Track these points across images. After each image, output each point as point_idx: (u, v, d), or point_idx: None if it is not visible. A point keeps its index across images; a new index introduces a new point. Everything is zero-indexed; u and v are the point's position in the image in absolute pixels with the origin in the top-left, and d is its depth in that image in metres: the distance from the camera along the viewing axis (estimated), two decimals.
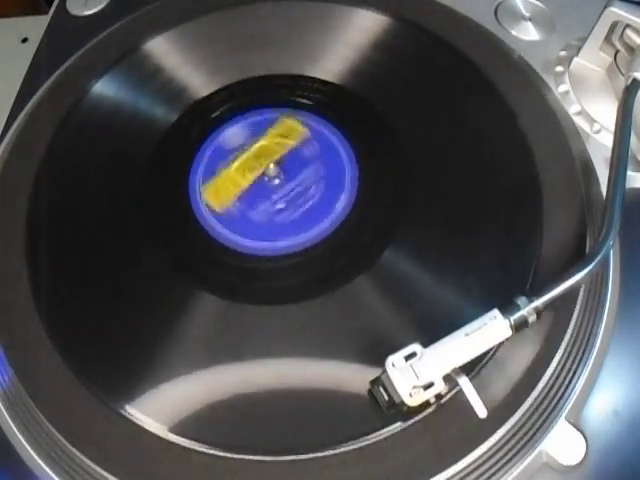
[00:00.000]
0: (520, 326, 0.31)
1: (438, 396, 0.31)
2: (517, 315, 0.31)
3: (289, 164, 0.40)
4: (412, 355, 0.30)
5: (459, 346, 0.30)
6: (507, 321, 0.30)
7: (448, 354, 0.30)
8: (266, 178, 0.40)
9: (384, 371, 0.30)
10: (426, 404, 0.30)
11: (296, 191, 0.39)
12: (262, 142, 0.41)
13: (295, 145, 0.41)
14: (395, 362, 0.30)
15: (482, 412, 0.30)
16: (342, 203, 0.39)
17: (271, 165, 0.40)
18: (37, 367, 0.34)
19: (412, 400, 0.30)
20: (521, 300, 0.31)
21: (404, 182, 0.39)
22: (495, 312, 0.31)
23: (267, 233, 0.38)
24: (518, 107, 0.40)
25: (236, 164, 0.40)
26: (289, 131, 0.41)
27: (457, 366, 0.30)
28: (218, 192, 0.39)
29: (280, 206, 0.39)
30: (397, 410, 0.30)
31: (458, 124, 0.41)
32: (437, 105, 0.42)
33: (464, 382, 0.30)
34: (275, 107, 0.43)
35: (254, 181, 0.40)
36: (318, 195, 0.39)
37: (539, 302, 0.31)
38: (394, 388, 0.30)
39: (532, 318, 0.31)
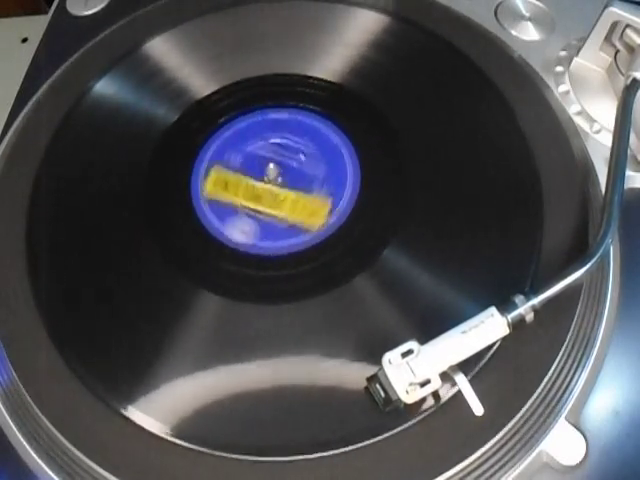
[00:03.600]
0: (517, 324, 0.31)
1: (437, 397, 0.31)
2: (514, 313, 0.31)
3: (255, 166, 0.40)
4: (409, 352, 0.30)
5: (456, 344, 0.30)
6: (504, 319, 0.31)
7: (445, 351, 0.30)
8: (280, 179, 0.40)
9: (381, 368, 0.30)
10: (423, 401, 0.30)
11: (285, 152, 0.40)
12: (240, 200, 0.39)
13: (234, 171, 0.40)
14: (392, 359, 0.30)
15: (479, 409, 0.30)
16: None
17: (271, 165, 0.40)
18: (37, 367, 0.34)
19: (408, 397, 0.30)
20: (518, 298, 0.31)
21: (404, 182, 0.39)
22: (492, 310, 0.31)
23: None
24: (518, 107, 0.40)
25: (274, 212, 0.39)
26: (219, 181, 0.40)
27: (454, 363, 0.30)
28: (311, 212, 0.38)
29: (302, 157, 0.40)
30: (394, 407, 0.30)
31: (458, 124, 0.41)
32: (437, 105, 0.42)
33: (461, 379, 0.30)
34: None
35: (285, 187, 0.39)
36: (290, 136, 0.40)
37: (536, 300, 0.31)
38: (390, 385, 0.30)
39: (529, 316, 0.31)
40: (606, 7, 0.39)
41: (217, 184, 0.40)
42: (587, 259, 0.31)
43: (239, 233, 0.38)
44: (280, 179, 0.40)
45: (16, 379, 0.34)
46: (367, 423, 0.31)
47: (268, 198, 0.39)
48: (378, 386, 0.30)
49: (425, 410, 0.31)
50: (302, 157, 0.40)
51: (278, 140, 0.41)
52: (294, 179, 0.40)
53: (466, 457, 0.30)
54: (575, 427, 0.32)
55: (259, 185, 0.40)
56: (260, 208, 0.39)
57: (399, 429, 0.31)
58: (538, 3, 0.46)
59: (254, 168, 0.40)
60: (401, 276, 0.36)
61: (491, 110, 0.41)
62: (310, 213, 0.38)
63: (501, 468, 0.31)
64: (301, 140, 0.41)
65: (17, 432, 0.33)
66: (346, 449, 0.31)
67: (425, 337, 0.31)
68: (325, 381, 0.33)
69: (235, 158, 0.41)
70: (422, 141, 0.40)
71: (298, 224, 0.38)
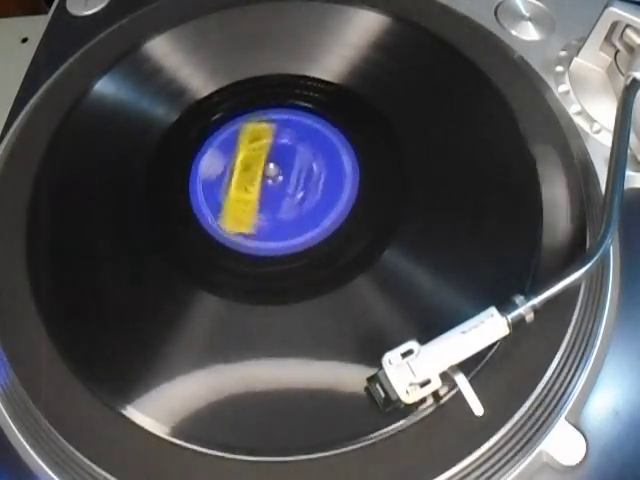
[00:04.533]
0: (517, 324, 0.31)
1: (437, 397, 0.31)
2: (514, 313, 0.31)
3: (279, 160, 0.40)
4: (409, 352, 0.30)
5: (456, 344, 0.30)
6: (504, 319, 0.31)
7: (445, 351, 0.30)
8: (270, 181, 0.40)
9: (381, 368, 0.30)
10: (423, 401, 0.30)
11: (303, 176, 0.39)
12: (241, 156, 0.40)
13: (271, 141, 0.41)
14: (392, 359, 0.30)
15: (478, 410, 0.30)
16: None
17: (271, 165, 0.40)
18: (37, 367, 0.34)
19: (408, 397, 0.30)
20: (518, 298, 0.31)
21: (404, 182, 0.39)
22: (492, 310, 0.31)
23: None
24: (518, 107, 0.40)
25: (233, 186, 0.39)
26: (257, 133, 0.41)
27: (454, 363, 0.30)
28: (237, 218, 0.38)
29: (300, 195, 0.39)
30: (394, 407, 0.30)
31: (458, 124, 0.41)
32: (437, 105, 0.42)
33: (461, 379, 0.30)
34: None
35: (260, 189, 0.39)
36: (324, 172, 0.39)
37: (536, 301, 0.31)
38: (390, 385, 0.30)
39: (529, 317, 0.31)
40: (606, 7, 0.39)
41: (254, 133, 0.40)
42: (587, 259, 0.31)
43: (208, 163, 0.40)
44: (270, 182, 0.40)
45: (16, 379, 0.34)
46: (367, 423, 0.31)
47: (247, 177, 0.39)
48: (378, 386, 0.30)
49: (424, 410, 0.31)
50: (299, 197, 0.39)
51: (316, 167, 0.40)
52: (273, 194, 0.39)
53: (466, 457, 0.31)
54: (575, 427, 0.32)
55: (260, 167, 0.40)
56: (235, 173, 0.40)
57: (399, 429, 0.31)
58: (538, 3, 0.46)
59: (279, 158, 0.40)
60: (401, 276, 0.36)
61: (491, 110, 0.41)
62: (236, 217, 0.38)
63: (501, 468, 0.31)
64: (321, 187, 0.39)
65: (17, 432, 0.33)
66: (346, 449, 0.31)
67: (425, 337, 0.31)
68: (325, 381, 0.33)
69: (284, 138, 0.41)
70: (421, 141, 0.40)
71: (222, 209, 0.39)
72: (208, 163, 0.40)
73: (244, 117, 0.42)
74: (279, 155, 0.40)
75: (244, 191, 0.39)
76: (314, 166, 0.40)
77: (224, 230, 0.38)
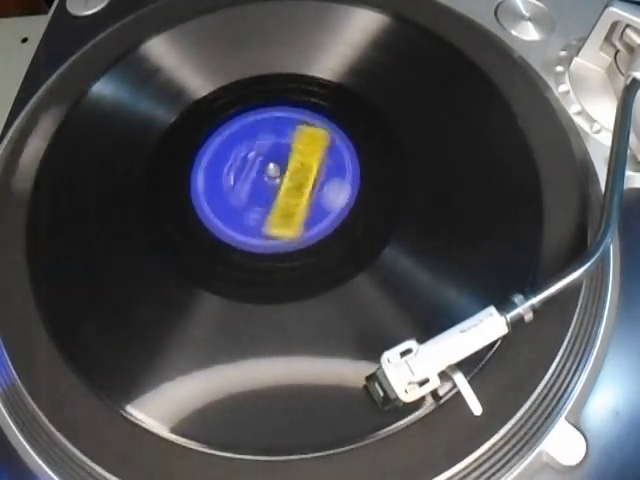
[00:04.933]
0: (516, 324, 0.31)
1: (437, 396, 0.31)
2: (513, 313, 0.31)
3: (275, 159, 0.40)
4: (408, 351, 0.30)
5: (455, 343, 0.30)
6: (503, 318, 0.31)
7: (443, 350, 0.30)
8: (266, 178, 0.40)
9: (379, 367, 0.30)
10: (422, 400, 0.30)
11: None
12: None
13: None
14: (390, 358, 0.30)
15: (477, 409, 0.30)
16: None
17: (271, 165, 0.40)
18: (37, 367, 0.34)
19: (407, 396, 0.30)
20: (518, 298, 0.31)
21: (404, 181, 0.39)
22: (491, 309, 0.31)
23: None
24: (518, 107, 0.40)
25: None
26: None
27: (453, 362, 0.30)
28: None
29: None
30: (392, 406, 0.30)
31: (458, 123, 0.41)
32: (437, 105, 0.42)
33: (459, 379, 0.30)
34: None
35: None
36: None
37: (535, 300, 0.31)
38: (389, 384, 0.30)
39: (528, 316, 0.31)
40: (606, 7, 0.39)
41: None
42: (586, 259, 0.31)
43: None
44: (267, 179, 0.40)
45: (16, 379, 0.34)
46: (366, 423, 0.31)
47: (297, 182, 0.39)
48: (377, 385, 0.30)
49: (424, 410, 0.31)
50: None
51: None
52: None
53: (466, 457, 0.31)
54: (575, 427, 0.32)
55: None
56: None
57: (398, 429, 0.31)
58: (538, 3, 0.46)
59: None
60: (401, 275, 0.36)
61: (491, 110, 0.41)
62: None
63: (501, 468, 0.31)
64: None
65: (17, 432, 0.33)
66: (345, 449, 0.31)
67: (424, 336, 0.31)
68: (324, 380, 0.33)
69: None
70: (422, 141, 0.40)
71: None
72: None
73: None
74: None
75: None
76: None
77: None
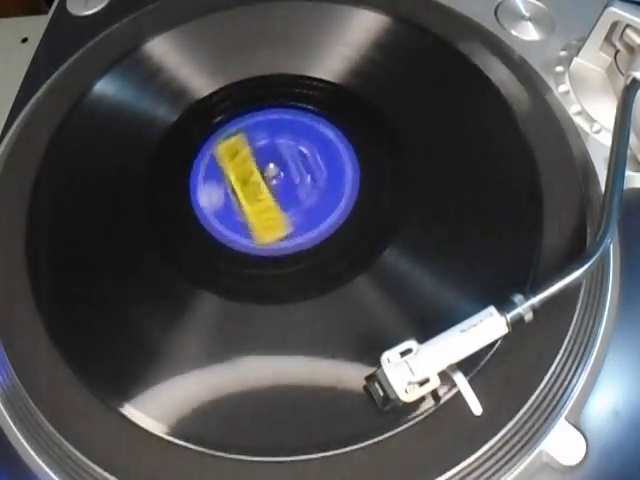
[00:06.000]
0: (516, 324, 0.31)
1: (437, 396, 0.31)
2: (513, 312, 0.31)
3: (268, 159, 0.40)
4: (408, 351, 0.30)
5: (455, 342, 0.30)
6: (503, 318, 0.31)
7: (443, 350, 0.30)
8: (274, 181, 0.40)
9: (379, 367, 0.30)
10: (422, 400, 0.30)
11: (299, 161, 0.40)
12: (232, 175, 0.40)
13: (249, 149, 0.41)
14: (390, 358, 0.30)
15: (477, 409, 0.30)
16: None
17: (270, 165, 0.40)
18: (37, 367, 0.34)
19: (407, 396, 0.30)
20: (518, 298, 0.31)
21: (404, 182, 0.39)
22: (491, 309, 0.31)
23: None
24: (518, 107, 0.40)
25: (244, 203, 0.39)
26: (232, 148, 0.41)
27: (453, 362, 0.30)
28: (268, 227, 0.38)
29: (309, 178, 0.39)
30: (392, 406, 0.30)
31: (458, 124, 0.41)
32: (437, 105, 0.42)
33: (459, 379, 0.30)
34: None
35: (271, 192, 0.39)
36: (315, 149, 0.40)
37: (535, 300, 0.31)
38: (389, 384, 0.30)
39: (528, 316, 0.31)
40: (606, 7, 0.39)
41: (230, 150, 0.40)
42: (586, 259, 0.31)
43: (206, 197, 0.39)
44: (275, 182, 0.40)
45: (16, 379, 0.34)
46: (366, 423, 0.31)
47: (251, 189, 0.39)
48: (377, 385, 0.30)
49: (424, 410, 0.31)
50: (308, 180, 0.39)
51: (305, 149, 0.41)
52: (284, 190, 0.39)
53: (466, 457, 0.31)
54: (575, 427, 0.32)
55: (256, 174, 0.40)
56: (238, 192, 0.39)
57: (398, 429, 0.31)
58: (538, 3, 0.46)
59: (266, 158, 0.40)
60: (401, 276, 0.36)
61: (491, 110, 0.41)
62: (267, 227, 0.38)
63: (501, 468, 0.31)
64: (322, 164, 0.40)
65: (17, 432, 0.33)
66: (345, 449, 0.31)
67: (424, 336, 0.31)
68: (324, 381, 0.33)
69: (260, 139, 0.41)
70: (422, 141, 0.40)
71: (250, 227, 0.38)
72: (207, 194, 0.40)
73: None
74: (265, 156, 0.40)
75: (257, 201, 0.39)
76: (302, 149, 0.40)
77: (264, 244, 0.38)
